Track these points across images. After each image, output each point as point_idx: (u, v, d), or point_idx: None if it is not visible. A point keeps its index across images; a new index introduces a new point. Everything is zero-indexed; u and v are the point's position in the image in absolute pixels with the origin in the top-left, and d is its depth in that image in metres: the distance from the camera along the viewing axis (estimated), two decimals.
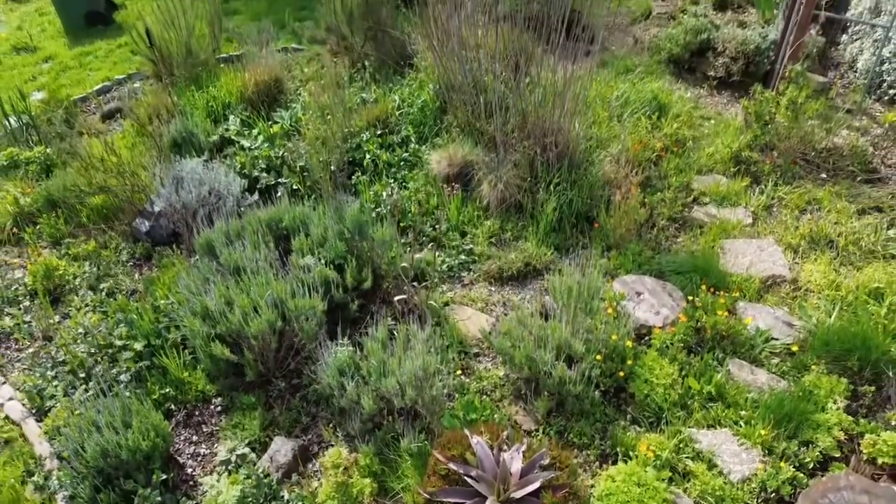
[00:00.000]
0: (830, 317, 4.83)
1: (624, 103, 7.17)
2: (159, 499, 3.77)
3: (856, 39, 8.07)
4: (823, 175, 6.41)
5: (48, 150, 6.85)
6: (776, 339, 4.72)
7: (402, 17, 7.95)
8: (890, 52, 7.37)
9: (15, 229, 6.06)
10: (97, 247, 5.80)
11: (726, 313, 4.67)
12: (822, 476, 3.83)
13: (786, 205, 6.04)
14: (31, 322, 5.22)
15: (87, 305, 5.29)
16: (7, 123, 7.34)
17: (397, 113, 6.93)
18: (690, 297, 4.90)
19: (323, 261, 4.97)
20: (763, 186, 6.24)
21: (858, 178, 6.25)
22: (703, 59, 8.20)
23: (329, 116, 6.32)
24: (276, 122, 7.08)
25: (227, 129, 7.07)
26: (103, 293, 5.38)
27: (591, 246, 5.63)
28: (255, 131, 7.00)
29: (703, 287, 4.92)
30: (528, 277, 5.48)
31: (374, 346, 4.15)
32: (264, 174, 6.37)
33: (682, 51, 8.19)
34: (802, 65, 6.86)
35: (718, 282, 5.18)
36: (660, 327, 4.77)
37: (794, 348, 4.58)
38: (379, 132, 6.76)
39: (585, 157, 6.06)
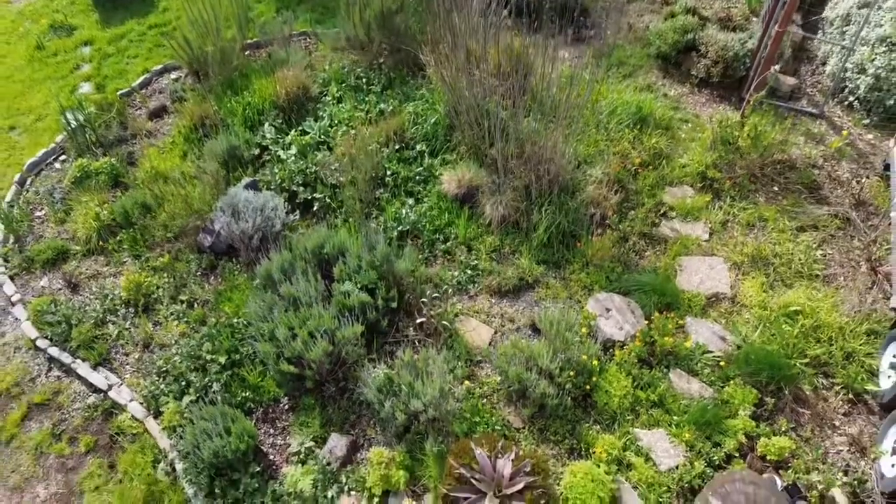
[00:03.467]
0: (756, 333, 6.23)
1: (611, 112, 8.14)
2: (256, 484, 5.39)
3: (828, 41, 8.83)
4: (776, 188, 7.55)
5: (113, 161, 7.95)
6: (710, 352, 6.15)
7: (415, 25, 8.68)
8: (852, 64, 8.22)
9: (100, 242, 7.32)
10: (171, 259, 7.10)
11: (672, 338, 6.04)
12: (724, 471, 5.38)
13: (738, 222, 7.24)
14: (130, 329, 6.65)
15: (172, 315, 6.70)
16: (67, 124, 8.33)
17: (412, 129, 7.94)
18: (647, 321, 6.27)
19: (359, 286, 6.29)
20: (722, 203, 7.41)
21: (803, 196, 7.40)
22: (689, 56, 9.01)
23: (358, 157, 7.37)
24: (306, 132, 8.12)
25: (263, 137, 8.13)
26: (183, 304, 6.77)
27: (573, 262, 6.93)
28: (287, 139, 8.06)
29: (657, 313, 6.26)
30: (521, 290, 6.82)
31: (403, 373, 5.58)
32: (301, 188, 7.55)
33: (670, 49, 8.99)
34: (777, 63, 7.75)
35: (673, 300, 6.52)
36: (622, 342, 6.19)
37: (722, 363, 6.01)
38: (397, 147, 7.82)
39: (573, 183, 7.19)
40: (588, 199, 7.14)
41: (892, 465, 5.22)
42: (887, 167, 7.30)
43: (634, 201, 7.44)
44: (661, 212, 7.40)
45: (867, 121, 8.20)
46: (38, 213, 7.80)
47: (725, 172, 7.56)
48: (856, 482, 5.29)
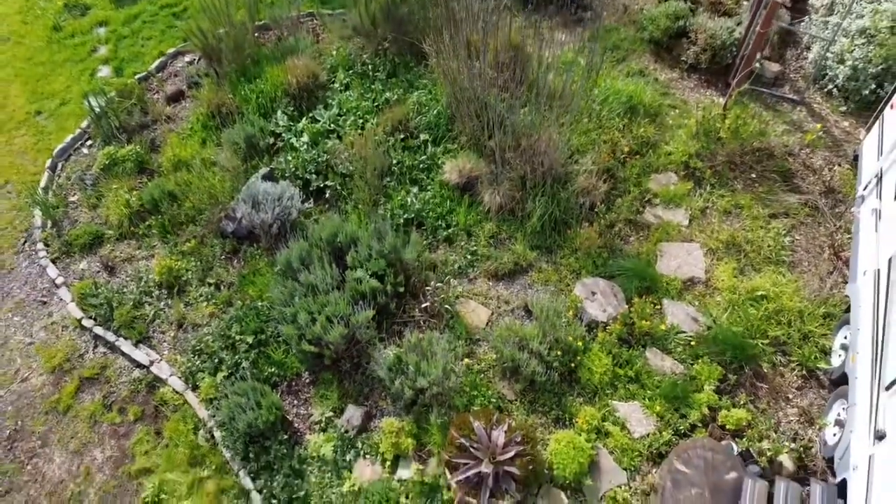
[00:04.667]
0: (724, 315, 6.97)
1: (604, 100, 8.65)
2: (284, 450, 6.25)
3: (813, 26, 9.23)
4: (753, 175, 8.14)
5: (138, 149, 8.53)
6: (683, 332, 6.91)
7: (419, 13, 9.07)
8: (832, 54, 8.67)
9: (131, 227, 7.99)
10: (197, 244, 7.78)
11: (650, 321, 6.79)
12: (688, 438, 6.22)
13: (716, 208, 7.88)
14: (165, 310, 7.40)
15: (201, 296, 7.44)
16: (91, 110, 8.86)
17: (416, 118, 8.47)
18: (628, 304, 7.00)
19: (369, 272, 7.00)
20: (703, 190, 8.02)
21: (777, 184, 8.00)
22: (679, 42, 9.43)
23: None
24: (316, 120, 8.66)
25: (277, 125, 8.68)
26: (211, 287, 7.50)
27: (564, 247, 7.61)
28: (299, 126, 8.62)
29: (637, 297, 7.00)
30: (516, 274, 7.53)
31: (410, 355, 6.35)
32: (314, 176, 8.17)
33: (662, 35, 9.42)
34: (764, 49, 8.19)
35: (652, 283, 7.24)
36: (605, 323, 6.94)
37: (693, 342, 6.77)
38: (402, 136, 8.38)
39: (565, 174, 7.79)
40: (579, 188, 7.75)
41: (834, 435, 6.04)
42: (857, 158, 7.87)
43: (622, 188, 8.05)
44: (646, 199, 8.03)
45: (844, 108, 8.73)
46: (71, 199, 8.44)
47: (707, 161, 8.14)
48: (802, 448, 6.13)
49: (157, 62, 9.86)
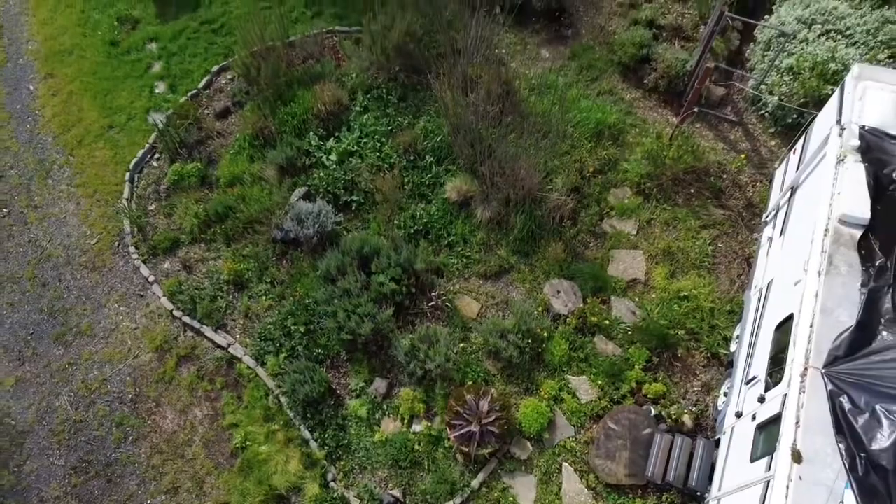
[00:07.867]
0: (656, 310, 9.30)
1: (577, 123, 10.61)
2: (332, 412, 8.79)
3: (754, 55, 10.97)
4: (692, 190, 10.23)
5: (199, 165, 10.61)
6: (624, 323, 9.27)
7: (427, 44, 10.85)
8: (765, 85, 10.51)
9: (200, 234, 10.21)
10: (254, 249, 10.03)
11: (599, 316, 9.12)
12: (619, 404, 8.71)
13: (659, 220, 10.03)
14: (234, 303, 9.76)
15: (261, 292, 9.78)
16: (156, 126, 10.87)
17: (423, 142, 10.47)
18: (584, 301, 9.32)
19: (389, 277, 9.29)
20: (650, 204, 10.14)
21: (709, 199, 10.10)
22: (644, 66, 11.23)
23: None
24: (342, 141, 10.67)
25: (309, 144, 10.71)
26: (268, 284, 9.82)
27: (538, 253, 9.84)
28: (328, 145, 10.65)
29: (591, 296, 9.31)
30: (501, 274, 9.82)
31: (421, 345, 8.75)
32: (342, 192, 10.29)
33: (629, 60, 11.20)
34: (712, 75, 10.13)
35: (603, 284, 9.53)
36: (565, 315, 9.29)
37: (630, 332, 9.14)
38: (411, 157, 10.43)
39: (541, 195, 9.89)
40: (551, 205, 9.88)
41: (722, 402, 8.51)
42: (772, 180, 9.92)
43: (586, 202, 10.17)
44: (605, 211, 10.16)
45: (773, 129, 10.66)
46: (150, 208, 10.61)
47: (655, 180, 10.20)
48: (699, 412, 8.64)
49: (204, 80, 11.70)
